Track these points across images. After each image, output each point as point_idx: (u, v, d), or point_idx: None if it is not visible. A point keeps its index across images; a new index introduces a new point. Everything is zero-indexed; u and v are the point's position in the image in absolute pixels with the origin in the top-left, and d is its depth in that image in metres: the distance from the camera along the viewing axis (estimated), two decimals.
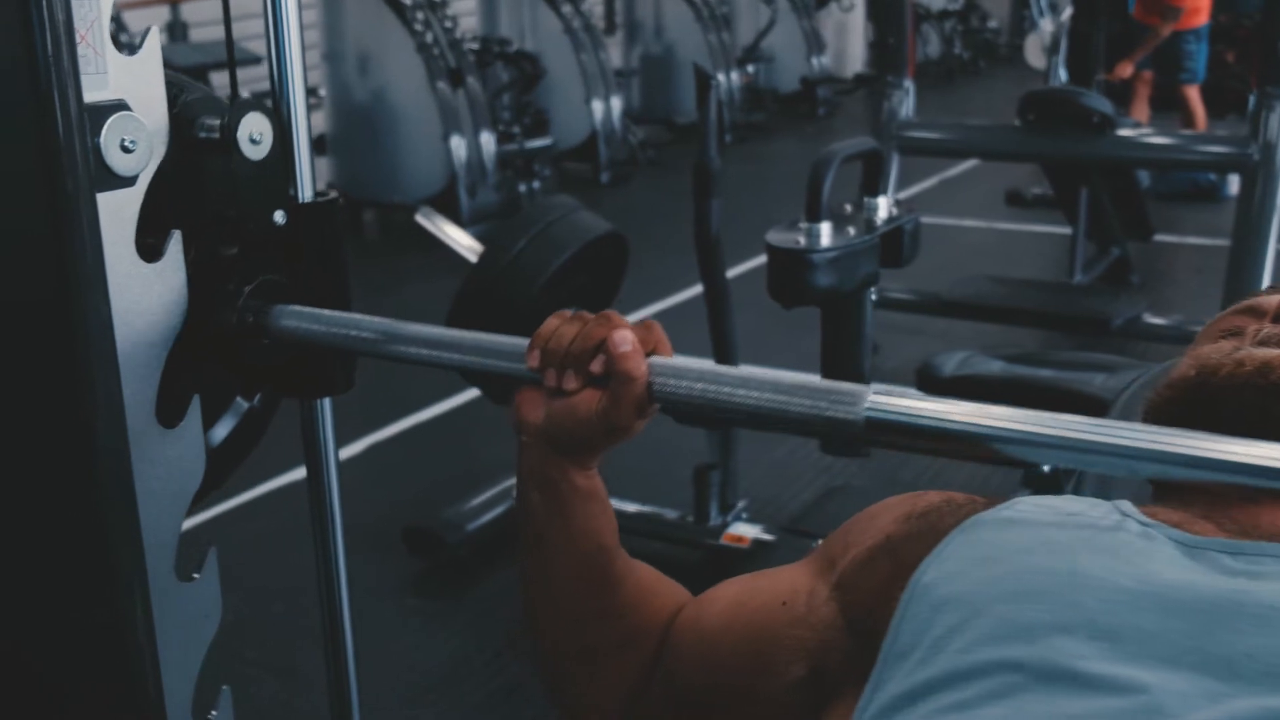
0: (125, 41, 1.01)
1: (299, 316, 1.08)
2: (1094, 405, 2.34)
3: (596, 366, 0.86)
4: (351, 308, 1.12)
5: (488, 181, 6.74)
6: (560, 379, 0.88)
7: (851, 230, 2.42)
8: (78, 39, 0.94)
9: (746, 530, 2.91)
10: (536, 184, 7.27)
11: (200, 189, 1.08)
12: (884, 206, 2.64)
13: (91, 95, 0.96)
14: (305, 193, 1.13)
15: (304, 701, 2.50)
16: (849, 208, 2.68)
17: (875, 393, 0.82)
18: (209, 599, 1.13)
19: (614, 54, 9.12)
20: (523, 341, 0.92)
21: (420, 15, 6.74)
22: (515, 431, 0.94)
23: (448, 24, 6.97)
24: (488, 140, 6.80)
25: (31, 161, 0.91)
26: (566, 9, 8.20)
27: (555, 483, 0.92)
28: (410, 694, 2.53)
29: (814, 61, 11.20)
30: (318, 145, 6.66)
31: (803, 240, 2.33)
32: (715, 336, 2.93)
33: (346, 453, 3.59)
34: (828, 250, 2.30)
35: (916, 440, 0.80)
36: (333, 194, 1.16)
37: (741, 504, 3.02)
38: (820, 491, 3.25)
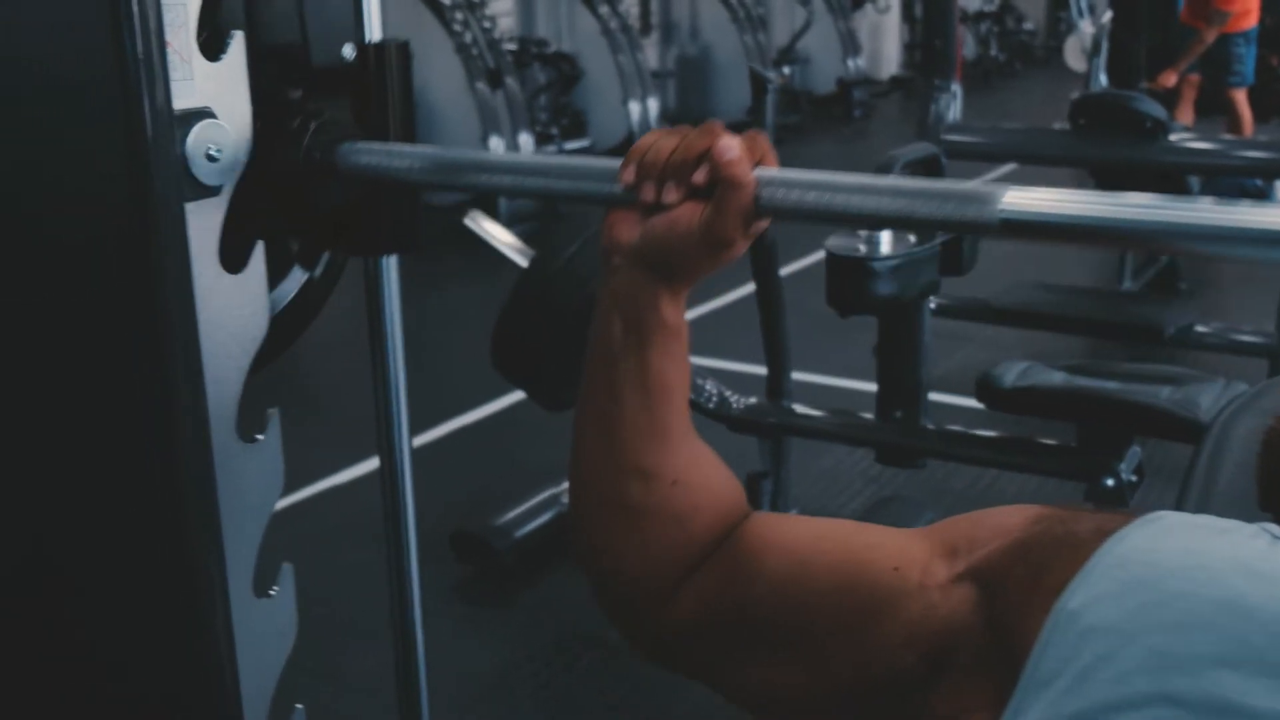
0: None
1: (369, 152, 1.03)
2: (1169, 422, 2.29)
3: (700, 177, 0.82)
4: None
5: None
6: (659, 192, 0.83)
7: (912, 238, 2.39)
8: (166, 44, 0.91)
9: None
10: None
11: (268, 24, 1.04)
12: None
13: (178, 102, 0.94)
14: (374, 32, 1.10)
15: (348, 705, 2.49)
16: None
17: (1010, 192, 0.78)
18: (285, 615, 1.11)
19: (650, 55, 9.09)
20: (614, 161, 0.88)
21: (459, 15, 6.74)
22: (603, 258, 0.89)
23: (486, 24, 6.96)
24: (526, 141, 6.79)
25: (121, 169, 0.89)
26: (603, 9, 8.18)
27: (642, 310, 0.86)
28: (460, 703, 2.51)
29: (849, 63, 11.14)
30: None
31: (863, 248, 2.29)
32: (768, 339, 2.89)
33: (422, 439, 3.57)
34: (889, 258, 2.26)
35: (1053, 235, 0.77)
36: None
37: (792, 513, 2.99)
38: (870, 501, 3.21)
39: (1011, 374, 2.52)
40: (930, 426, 2.53)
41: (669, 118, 9.05)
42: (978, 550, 0.83)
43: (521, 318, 2.75)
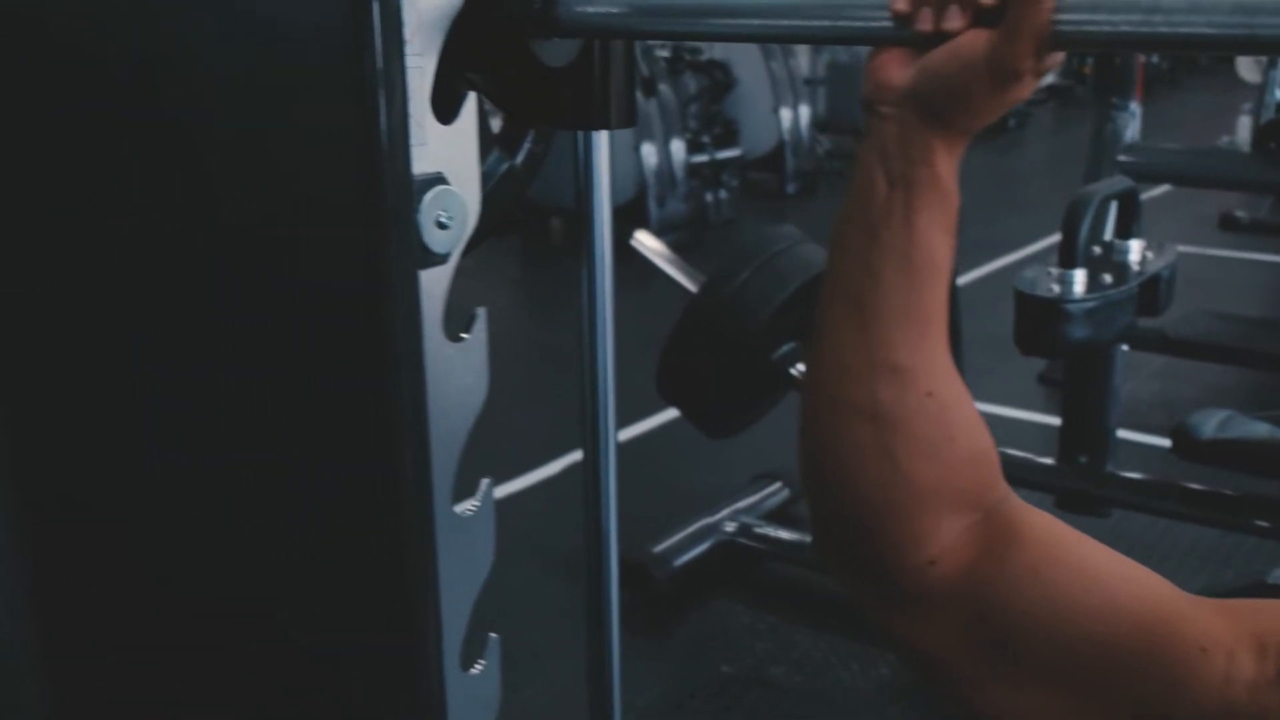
0: None
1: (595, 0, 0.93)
2: None
3: None
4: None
5: (677, 191, 6.69)
6: (939, 18, 0.73)
7: (1108, 278, 2.27)
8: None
9: None
10: (723, 194, 7.19)
11: None
12: (1137, 250, 2.48)
13: (414, 168, 0.91)
14: None
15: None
16: (1098, 250, 2.52)
17: None
18: (490, 689, 1.08)
19: (801, 61, 8.98)
20: None
21: None
22: (865, 108, 0.78)
23: None
24: (678, 149, 6.75)
25: (359, 236, 0.86)
26: None
27: (913, 164, 0.76)
28: None
29: None
30: None
31: (1056, 288, 2.19)
32: None
33: (545, 472, 3.57)
34: (1084, 300, 2.16)
35: None
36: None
37: None
38: None
39: (1210, 425, 2.38)
40: (1119, 474, 2.40)
41: (820, 125, 8.93)
42: None
43: (690, 345, 2.70)
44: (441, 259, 0.96)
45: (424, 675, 0.97)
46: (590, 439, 1.21)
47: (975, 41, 0.72)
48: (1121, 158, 4.15)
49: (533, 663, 2.44)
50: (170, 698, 0.81)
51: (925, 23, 0.74)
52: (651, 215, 6.52)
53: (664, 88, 6.81)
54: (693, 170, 6.94)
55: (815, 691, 2.58)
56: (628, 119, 1.04)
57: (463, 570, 1.03)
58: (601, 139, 1.14)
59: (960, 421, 0.79)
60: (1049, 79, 12.21)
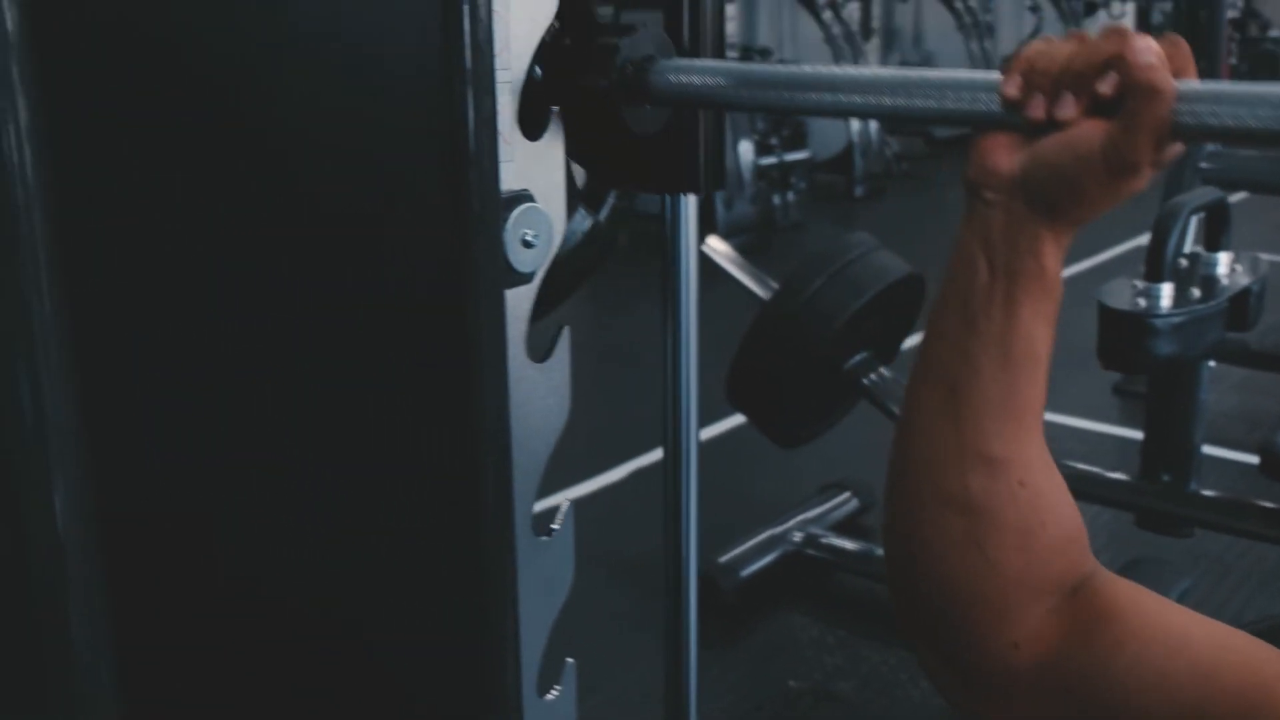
0: None
1: (689, 69, 0.92)
2: None
3: (1106, 86, 0.67)
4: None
5: (745, 194, 6.64)
6: (1053, 106, 0.70)
7: (1196, 292, 2.21)
8: None
9: None
10: (791, 196, 7.14)
11: None
12: (1226, 263, 2.41)
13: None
14: None
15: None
16: (1184, 262, 2.45)
17: None
18: (567, 713, 1.06)
19: (871, 62, 8.89)
20: (988, 73, 0.75)
21: None
22: (969, 191, 0.76)
23: None
24: (746, 151, 6.70)
25: (446, 254, 0.84)
26: (826, 15, 8.02)
27: (1019, 254, 0.73)
28: None
29: None
30: None
31: (1143, 302, 2.13)
32: None
33: (606, 479, 3.55)
34: (1171, 315, 2.09)
35: None
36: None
37: None
38: (1120, 562, 3.01)
39: None
40: (1203, 493, 2.33)
41: (889, 127, 8.84)
42: None
43: (761, 353, 2.67)
44: (526, 278, 0.94)
45: (501, 701, 0.95)
46: (672, 447, 1.18)
47: (1091, 133, 0.69)
48: (1203, 164, 4.05)
49: (595, 672, 2.42)
50: (241, 705, 0.80)
51: (1037, 110, 0.71)
52: (719, 217, 6.47)
53: None
54: (761, 172, 6.89)
55: (884, 708, 2.54)
56: (716, 183, 1.02)
57: (542, 594, 1.02)
58: (688, 198, 1.11)
59: (1051, 507, 0.76)
60: None
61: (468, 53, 0.80)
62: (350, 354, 0.81)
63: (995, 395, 0.74)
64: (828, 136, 7.78)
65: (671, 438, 1.19)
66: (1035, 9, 10.43)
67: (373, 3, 0.76)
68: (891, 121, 0.96)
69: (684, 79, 0.91)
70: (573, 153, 0.97)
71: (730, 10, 8.64)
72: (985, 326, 0.74)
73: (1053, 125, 0.70)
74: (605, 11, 0.97)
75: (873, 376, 2.77)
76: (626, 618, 2.68)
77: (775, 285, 2.82)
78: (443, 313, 0.85)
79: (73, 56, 0.63)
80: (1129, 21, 12.18)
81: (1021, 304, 0.73)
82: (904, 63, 9.74)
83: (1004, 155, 0.73)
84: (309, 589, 0.82)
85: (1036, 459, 0.76)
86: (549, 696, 1.05)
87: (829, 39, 7.91)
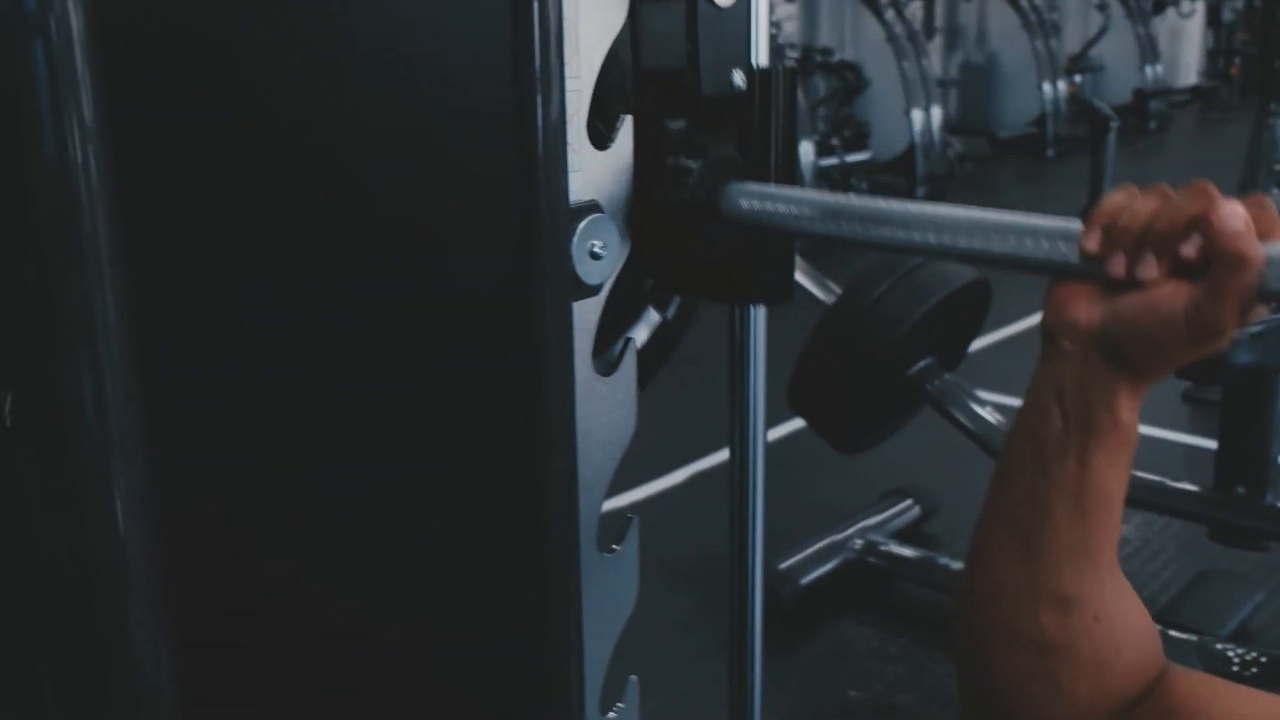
0: None
1: (760, 195, 0.92)
2: None
3: (1190, 250, 0.67)
4: None
5: None
6: (1134, 265, 0.69)
7: None
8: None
9: None
10: None
11: (651, 42, 0.95)
12: None
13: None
14: (763, 56, 0.99)
15: None
16: None
17: None
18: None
19: (933, 61, 8.80)
20: (1068, 222, 0.74)
21: None
22: (1046, 336, 0.76)
23: (771, 32, 6.86)
24: (807, 152, 6.66)
25: (512, 266, 0.82)
26: (889, 14, 7.94)
27: (1094, 407, 0.73)
28: None
29: (1147, 71, 10.49)
30: None
31: None
32: None
33: (666, 483, 3.53)
34: (1251, 324, 2.03)
35: None
36: (791, 58, 1.02)
37: None
38: (1189, 574, 2.94)
39: None
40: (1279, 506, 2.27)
41: (951, 127, 8.74)
42: None
43: (824, 359, 2.64)
44: (594, 290, 0.92)
45: (563, 717, 0.93)
46: (738, 455, 1.17)
47: (1174, 296, 0.68)
48: (1278, 167, 3.96)
49: (653, 677, 2.40)
50: (296, 713, 0.79)
51: (1118, 268, 0.70)
52: None
53: None
54: (821, 173, 6.84)
55: None
56: (785, 295, 1.02)
57: (605, 610, 1.00)
58: (758, 308, 1.10)
59: (1126, 635, 0.78)
60: (1191, 78, 11.78)
61: (536, 58, 0.79)
62: (415, 362, 0.80)
63: (1068, 538, 0.76)
64: (889, 137, 7.71)
65: (739, 445, 1.18)
66: (1103, 7, 10.28)
67: (441, 8, 0.75)
68: (966, 261, 0.95)
69: (756, 205, 0.92)
70: (642, 260, 0.98)
71: (790, 10, 8.59)
72: (1058, 473, 0.75)
73: (1133, 283, 0.70)
74: (680, 126, 0.96)
75: (936, 383, 2.73)
76: (685, 623, 2.66)
77: (837, 290, 2.78)
78: (510, 323, 0.83)
79: (137, 55, 0.63)
80: (1199, 20, 11.97)
81: (1095, 454, 0.74)
82: (967, 62, 9.64)
83: (1082, 306, 0.73)
84: (368, 598, 0.81)
85: (1110, 592, 0.78)
86: (611, 714, 1.03)
87: (891, 38, 7.82)
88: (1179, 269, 0.68)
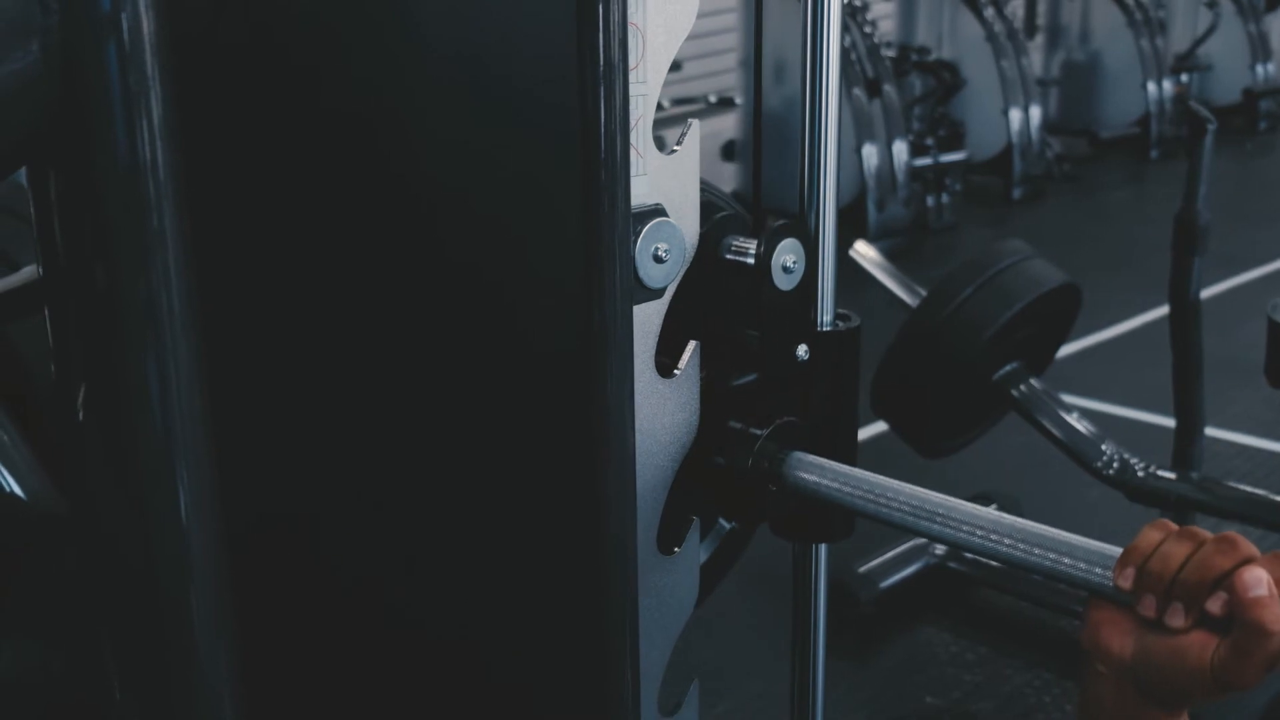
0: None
1: (818, 470, 0.98)
2: None
3: (1216, 606, 0.70)
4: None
5: (897, 195, 6.52)
6: (1163, 610, 0.73)
7: None
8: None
9: None
10: (945, 198, 6.98)
11: (722, 311, 0.99)
12: None
13: (632, 200, 0.87)
14: (825, 317, 1.02)
15: None
16: None
17: None
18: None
19: (1033, 60, 8.63)
20: (1108, 548, 0.78)
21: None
22: (1085, 654, 0.80)
23: (867, 29, 6.80)
24: (900, 151, 6.58)
25: (575, 269, 0.83)
26: (988, 12, 7.81)
27: None
28: None
29: (1258, 70, 10.18)
30: (726, 151, 6.66)
31: None
32: (1180, 396, 2.59)
33: None
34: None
35: None
36: (854, 320, 1.03)
37: None
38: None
39: None
40: None
41: (1051, 127, 8.57)
42: None
43: (907, 363, 2.61)
44: (657, 293, 0.93)
45: (620, 718, 0.94)
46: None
47: (1201, 649, 0.71)
48: None
49: (721, 679, 2.41)
50: (354, 711, 0.81)
51: (1149, 610, 0.74)
52: (870, 219, 6.37)
53: (888, 88, 6.65)
54: (915, 174, 6.75)
55: None
56: (841, 536, 1.07)
57: (664, 612, 1.00)
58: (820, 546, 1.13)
59: None
60: None
61: (601, 61, 0.79)
62: (475, 362, 0.81)
63: None
64: (986, 137, 7.58)
65: None
66: (1212, 4, 9.99)
67: (509, 11, 0.76)
68: (1006, 563, 0.98)
69: (813, 479, 0.97)
70: (716, 510, 1.05)
71: (887, 8, 8.50)
72: None
73: (1162, 624, 0.73)
74: (748, 382, 1.02)
75: (1022, 388, 2.68)
76: (760, 627, 2.65)
77: (923, 293, 2.75)
78: (572, 325, 0.84)
79: (206, 56, 0.64)
80: None
81: None
82: (1069, 61, 9.45)
83: (1115, 636, 0.76)
84: (424, 597, 0.82)
85: None
86: (671, 717, 1.03)
87: (990, 37, 7.70)
88: (1205, 622, 0.71)
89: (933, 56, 7.55)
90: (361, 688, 0.80)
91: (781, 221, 0.97)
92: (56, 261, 0.64)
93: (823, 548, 1.11)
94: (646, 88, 0.89)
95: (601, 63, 0.79)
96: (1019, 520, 0.86)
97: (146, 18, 0.60)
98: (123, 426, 0.64)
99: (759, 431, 0.99)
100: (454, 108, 0.75)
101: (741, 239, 0.97)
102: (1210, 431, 3.61)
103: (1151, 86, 9.01)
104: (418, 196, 0.75)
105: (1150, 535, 0.75)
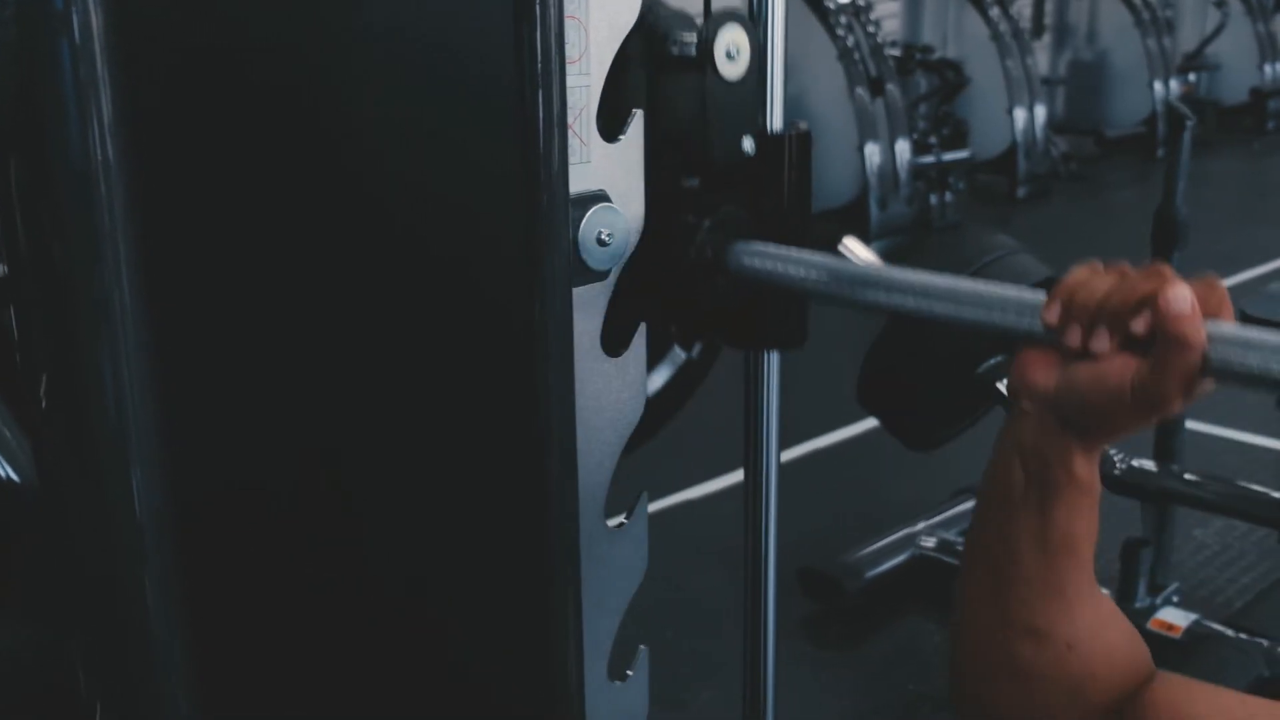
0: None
1: (762, 255, 0.98)
2: None
3: (1140, 326, 0.71)
4: None
5: (900, 194, 6.55)
6: (1088, 338, 0.74)
7: None
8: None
9: (1177, 617, 2.62)
10: (949, 197, 7.00)
11: (667, 110, 1.00)
12: None
13: (574, 185, 0.91)
14: (775, 121, 1.04)
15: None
16: None
17: None
18: (639, 699, 1.08)
19: (1039, 59, 8.64)
20: (1036, 294, 0.79)
21: (843, 20, 6.64)
22: (1011, 397, 0.81)
23: (870, 29, 6.83)
24: (903, 150, 6.61)
25: (514, 252, 0.87)
26: (994, 12, 7.83)
27: (1049, 465, 0.78)
28: None
29: (1266, 70, 10.17)
30: None
31: None
32: None
33: (735, 478, 3.55)
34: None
35: None
36: (804, 125, 1.05)
37: (1173, 587, 2.72)
38: (1268, 581, 2.88)
39: None
40: None
41: (1056, 126, 8.59)
42: None
43: (895, 354, 2.63)
44: (600, 275, 0.97)
45: (564, 684, 0.97)
46: (752, 486, 1.20)
47: (1122, 370, 0.73)
48: None
49: (709, 665, 2.45)
50: (309, 694, 0.84)
51: (1074, 339, 0.75)
52: (872, 217, 6.40)
53: (891, 87, 6.68)
54: (917, 172, 6.78)
55: None
56: (795, 343, 1.07)
57: (611, 583, 1.04)
58: (772, 353, 1.14)
59: (1104, 658, 0.83)
60: None
61: (539, 53, 0.83)
62: (421, 351, 0.84)
63: (1036, 577, 0.81)
64: (990, 136, 7.60)
65: (752, 482, 1.20)
66: (1220, 4, 9.98)
67: (449, 5, 0.80)
68: (941, 322, 0.98)
69: (760, 263, 0.98)
70: (661, 316, 1.04)
71: (893, 7, 8.52)
72: (1022, 520, 0.80)
73: (1088, 353, 0.74)
74: (692, 183, 1.02)
75: (1006, 381, 2.71)
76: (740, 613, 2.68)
77: None
78: (513, 308, 0.88)
79: (154, 53, 0.67)
80: None
81: (1054, 505, 0.79)
82: (1076, 60, 9.46)
83: (1041, 371, 0.77)
84: (371, 570, 0.86)
85: (1085, 624, 0.82)
86: (620, 682, 1.07)
87: (995, 36, 7.72)
88: (1130, 344, 0.73)
89: (937, 55, 7.56)
90: (309, 658, 0.83)
91: (723, 9, 0.98)
92: (16, 254, 0.68)
93: (774, 366, 1.12)
94: (590, 79, 0.93)
95: (539, 58, 0.83)
96: (952, 280, 0.87)
97: (96, 14, 0.63)
98: (79, 412, 0.67)
99: (702, 221, 0.99)
100: (396, 99, 0.78)
101: (688, 33, 0.99)
102: (1206, 428, 3.64)
103: (1159, 86, 9.01)
104: (361, 181, 0.78)
105: (1077, 273, 0.76)
